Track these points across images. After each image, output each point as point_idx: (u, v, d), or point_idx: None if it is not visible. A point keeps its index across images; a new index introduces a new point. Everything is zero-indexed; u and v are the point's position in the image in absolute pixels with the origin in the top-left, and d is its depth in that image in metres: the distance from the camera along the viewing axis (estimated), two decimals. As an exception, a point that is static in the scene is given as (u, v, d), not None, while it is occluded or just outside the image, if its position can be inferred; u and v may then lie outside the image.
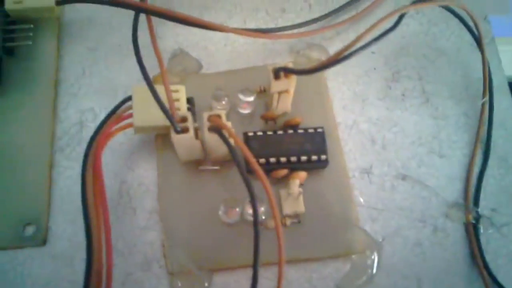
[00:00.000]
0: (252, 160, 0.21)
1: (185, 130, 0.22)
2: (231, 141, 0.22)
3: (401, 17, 0.23)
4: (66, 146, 0.26)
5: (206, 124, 0.22)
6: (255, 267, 0.20)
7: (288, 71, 0.23)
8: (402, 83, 0.28)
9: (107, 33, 0.28)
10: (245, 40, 0.28)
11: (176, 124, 0.22)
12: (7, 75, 0.26)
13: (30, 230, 0.24)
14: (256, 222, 0.20)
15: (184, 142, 0.22)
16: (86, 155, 0.22)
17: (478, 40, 0.27)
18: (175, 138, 0.22)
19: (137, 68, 0.22)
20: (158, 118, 0.22)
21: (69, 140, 0.26)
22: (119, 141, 0.25)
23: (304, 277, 0.24)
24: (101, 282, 0.20)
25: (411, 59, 0.28)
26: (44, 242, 0.24)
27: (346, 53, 0.20)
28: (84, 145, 0.22)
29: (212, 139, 0.22)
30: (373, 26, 0.21)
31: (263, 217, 0.24)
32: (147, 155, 0.26)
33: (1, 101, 0.26)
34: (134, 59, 0.22)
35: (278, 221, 0.20)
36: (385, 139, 0.26)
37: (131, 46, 0.22)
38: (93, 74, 0.27)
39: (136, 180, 0.25)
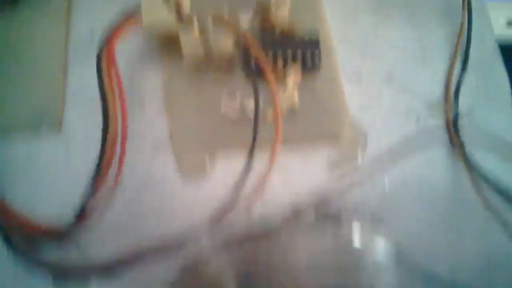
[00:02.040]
0: (256, 48, 0.23)
1: (189, 20, 0.24)
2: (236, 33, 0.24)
3: None
4: (79, 49, 0.28)
5: (210, 17, 0.24)
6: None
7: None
8: (390, 1, 0.30)
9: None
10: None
11: (182, 14, 0.24)
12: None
13: (46, 119, 0.26)
14: (257, 107, 0.22)
15: (189, 36, 0.25)
16: (102, 47, 0.24)
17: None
18: (181, 30, 0.24)
19: None
20: (164, 17, 0.25)
21: (83, 44, 0.28)
22: (127, 48, 0.27)
23: (299, 161, 0.26)
24: (115, 151, 0.22)
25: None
26: (59, 129, 0.26)
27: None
28: (95, 48, 0.25)
29: (216, 33, 0.24)
30: None
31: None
32: (155, 62, 0.28)
33: (19, 10, 0.28)
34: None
35: (278, 107, 0.22)
36: (374, 48, 0.29)
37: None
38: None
39: (145, 82, 0.27)
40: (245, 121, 0.26)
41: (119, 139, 0.23)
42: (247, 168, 0.23)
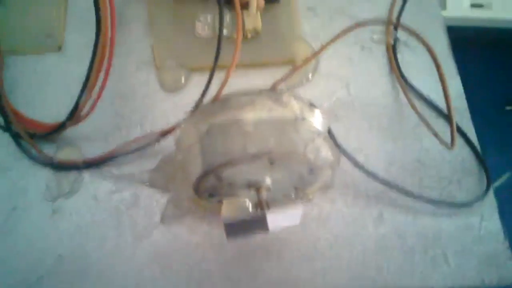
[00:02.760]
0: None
1: None
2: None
3: None
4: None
5: None
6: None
7: None
8: None
9: None
10: None
11: None
12: None
13: (49, 39, 0.31)
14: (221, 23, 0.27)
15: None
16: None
17: None
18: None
19: None
20: None
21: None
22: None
23: (261, 77, 0.31)
24: (104, 58, 0.27)
25: None
26: (59, 48, 0.31)
27: None
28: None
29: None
30: None
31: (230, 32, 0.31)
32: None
33: None
34: None
35: (240, 25, 0.27)
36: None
37: None
38: None
39: (132, 8, 0.32)
40: (216, 40, 0.30)
41: (107, 50, 0.27)
42: (209, 80, 0.28)
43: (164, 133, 0.27)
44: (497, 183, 0.76)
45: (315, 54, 0.30)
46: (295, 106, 0.22)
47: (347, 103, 0.31)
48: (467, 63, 0.43)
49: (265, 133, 0.21)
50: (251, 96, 0.22)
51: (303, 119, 0.22)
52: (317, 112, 0.23)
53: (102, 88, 0.27)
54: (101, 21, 0.26)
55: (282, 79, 0.26)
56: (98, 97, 0.27)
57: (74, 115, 0.27)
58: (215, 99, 0.26)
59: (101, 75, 0.27)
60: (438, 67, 0.26)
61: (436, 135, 0.27)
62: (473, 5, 0.73)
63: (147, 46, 0.31)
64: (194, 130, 0.22)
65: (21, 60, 0.31)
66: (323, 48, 0.28)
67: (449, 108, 0.25)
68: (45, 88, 0.30)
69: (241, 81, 0.28)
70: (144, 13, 0.32)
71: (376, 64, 0.32)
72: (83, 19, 0.31)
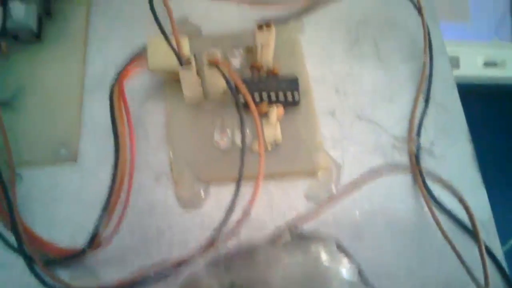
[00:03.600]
0: (243, 88, 0.28)
1: (188, 63, 0.28)
2: (227, 74, 0.28)
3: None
4: (93, 89, 0.32)
5: (206, 61, 0.28)
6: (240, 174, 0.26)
7: (267, 23, 0.29)
8: (361, 47, 0.35)
9: (129, 1, 0.35)
10: (237, 9, 0.35)
11: (182, 58, 0.28)
12: (46, 32, 0.33)
13: (63, 150, 0.30)
14: (243, 139, 0.27)
15: (187, 76, 0.29)
16: (113, 84, 0.28)
17: (419, 11, 0.34)
18: (181, 71, 0.28)
19: (153, 27, 0.28)
20: (168, 59, 0.29)
21: (97, 84, 0.32)
22: (135, 89, 0.32)
23: (281, 189, 0.30)
24: (124, 179, 0.26)
25: (369, 28, 0.35)
26: (75, 159, 0.30)
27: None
28: (107, 87, 0.29)
29: (210, 74, 0.29)
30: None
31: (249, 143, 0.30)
32: (159, 98, 0.32)
33: (42, 54, 0.33)
34: (153, 22, 0.28)
35: (262, 139, 0.27)
36: (347, 89, 0.33)
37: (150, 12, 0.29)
38: (116, 35, 0.34)
39: (148, 116, 0.32)
40: (235, 151, 0.30)
41: (127, 167, 0.26)
42: (235, 196, 0.27)
43: (180, 264, 0.26)
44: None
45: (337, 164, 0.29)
46: (323, 257, 0.22)
47: (370, 218, 0.30)
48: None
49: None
50: (278, 249, 0.21)
51: (333, 270, 0.21)
52: (345, 261, 0.22)
53: (122, 215, 0.26)
54: (120, 143, 0.26)
55: (306, 217, 0.25)
56: (119, 222, 0.26)
57: (94, 242, 0.26)
58: (240, 244, 0.25)
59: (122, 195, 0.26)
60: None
61: (468, 271, 0.25)
62: (487, 64, 0.73)
63: (165, 156, 0.30)
64: (215, 283, 0.21)
65: (35, 172, 0.30)
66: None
67: (481, 253, 0.24)
68: (60, 204, 0.29)
69: (261, 195, 0.28)
70: (162, 119, 0.32)
71: (398, 172, 0.31)
72: (97, 127, 0.31)
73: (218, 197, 0.30)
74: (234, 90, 0.28)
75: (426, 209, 0.30)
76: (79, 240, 0.27)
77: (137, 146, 0.30)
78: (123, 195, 0.26)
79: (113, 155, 0.27)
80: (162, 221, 0.29)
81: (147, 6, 0.27)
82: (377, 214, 0.30)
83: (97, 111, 0.31)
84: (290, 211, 0.30)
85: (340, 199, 0.30)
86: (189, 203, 0.29)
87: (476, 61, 0.72)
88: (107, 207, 0.26)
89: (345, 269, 0.23)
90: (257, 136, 0.28)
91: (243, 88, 0.27)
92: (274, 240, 0.25)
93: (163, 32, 0.27)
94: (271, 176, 0.30)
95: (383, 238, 0.29)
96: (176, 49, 0.28)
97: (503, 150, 0.76)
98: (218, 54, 0.28)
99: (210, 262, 0.25)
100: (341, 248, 0.24)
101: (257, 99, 0.31)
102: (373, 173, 0.31)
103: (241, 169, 0.27)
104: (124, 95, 0.28)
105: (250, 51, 0.33)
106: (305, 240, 0.25)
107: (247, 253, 0.23)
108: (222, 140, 0.30)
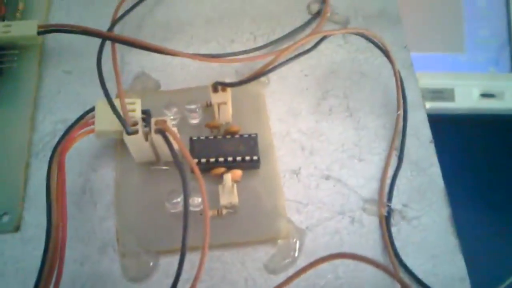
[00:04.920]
0: (189, 157, 0.26)
1: (134, 132, 0.26)
2: (174, 142, 0.26)
3: (319, 41, 0.29)
4: (40, 151, 0.30)
5: (153, 127, 0.27)
6: (183, 247, 0.24)
7: (222, 85, 0.28)
8: (330, 101, 0.33)
9: (82, 58, 0.33)
10: (198, 65, 0.33)
11: (127, 126, 0.26)
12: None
13: (5, 218, 0.28)
14: (186, 207, 0.24)
15: (135, 143, 0.27)
16: (52, 154, 0.26)
17: (392, 64, 0.32)
18: (126, 138, 0.27)
19: (108, 84, 0.26)
20: (115, 124, 0.27)
21: (43, 146, 0.30)
22: (85, 147, 0.30)
23: (237, 259, 0.28)
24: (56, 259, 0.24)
25: (339, 80, 0.33)
26: (17, 229, 0.28)
27: (269, 68, 0.26)
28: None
29: (158, 141, 0.27)
30: (291, 46, 0.27)
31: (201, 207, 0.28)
32: (108, 159, 0.30)
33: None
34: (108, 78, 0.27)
35: (206, 207, 0.25)
36: (313, 146, 0.31)
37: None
38: (67, 93, 0.32)
39: (97, 178, 0.30)
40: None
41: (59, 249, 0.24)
42: (179, 271, 0.24)
43: None
44: None
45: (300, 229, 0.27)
46: None
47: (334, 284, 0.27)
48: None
49: None
50: None
51: None
52: None
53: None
54: (52, 220, 0.24)
55: None
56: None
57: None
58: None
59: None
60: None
61: None
62: (483, 95, 0.70)
63: (112, 225, 0.28)
64: None
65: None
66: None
67: None
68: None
69: (216, 265, 0.27)
70: (112, 180, 0.30)
71: (367, 238, 0.29)
72: (41, 198, 0.29)
73: (168, 268, 0.27)
74: (177, 158, 0.25)
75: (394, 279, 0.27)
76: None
77: (83, 215, 0.28)
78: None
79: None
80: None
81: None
82: (343, 285, 0.27)
83: (42, 178, 0.29)
84: (246, 285, 0.27)
85: (303, 271, 0.27)
86: (136, 275, 0.27)
87: (472, 92, 0.70)
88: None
89: None
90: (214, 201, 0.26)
91: (188, 157, 0.25)
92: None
93: (109, 100, 0.26)
94: (226, 245, 0.28)
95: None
96: (122, 117, 0.26)
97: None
98: (167, 121, 0.26)
99: None
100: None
101: (213, 162, 0.28)
102: (340, 239, 0.29)
103: (184, 237, 0.25)
104: (62, 168, 0.26)
105: (210, 106, 0.31)
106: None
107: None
108: (173, 205, 0.28)
